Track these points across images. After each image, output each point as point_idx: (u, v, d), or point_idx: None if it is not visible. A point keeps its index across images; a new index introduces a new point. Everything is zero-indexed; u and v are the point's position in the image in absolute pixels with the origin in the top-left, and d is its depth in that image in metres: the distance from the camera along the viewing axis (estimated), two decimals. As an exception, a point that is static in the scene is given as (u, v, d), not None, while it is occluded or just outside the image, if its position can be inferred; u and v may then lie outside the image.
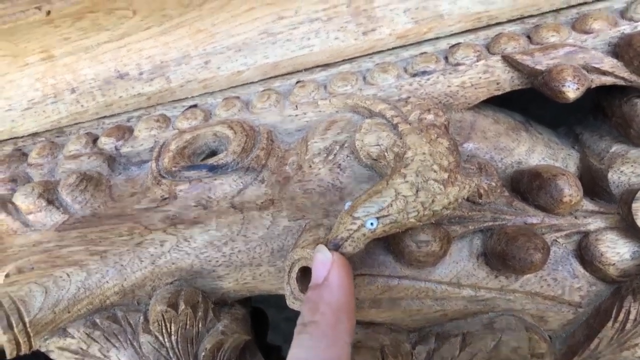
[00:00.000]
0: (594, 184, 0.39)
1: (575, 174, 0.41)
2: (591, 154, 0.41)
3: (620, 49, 0.39)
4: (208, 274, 0.38)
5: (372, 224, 0.32)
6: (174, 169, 0.41)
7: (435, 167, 0.34)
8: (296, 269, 0.36)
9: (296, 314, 0.32)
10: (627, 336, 0.37)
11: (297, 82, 0.44)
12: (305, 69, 0.45)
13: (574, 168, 0.41)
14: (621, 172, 0.38)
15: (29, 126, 0.48)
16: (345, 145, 0.39)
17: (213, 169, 0.40)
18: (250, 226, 0.38)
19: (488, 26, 0.43)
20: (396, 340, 0.38)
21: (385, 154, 0.37)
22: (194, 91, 0.46)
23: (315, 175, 0.39)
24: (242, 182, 0.40)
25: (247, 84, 0.46)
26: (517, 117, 0.44)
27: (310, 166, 0.40)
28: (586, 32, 0.40)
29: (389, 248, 0.37)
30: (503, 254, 0.35)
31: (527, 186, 0.38)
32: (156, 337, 0.37)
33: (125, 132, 0.45)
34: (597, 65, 0.39)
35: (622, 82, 0.39)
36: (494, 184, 0.37)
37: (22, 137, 0.48)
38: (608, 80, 0.39)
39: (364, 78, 0.43)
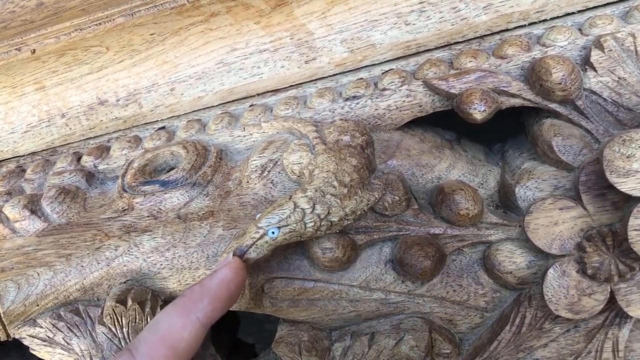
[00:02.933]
0: (506, 198, 0.43)
1: (495, 188, 0.44)
2: (508, 170, 0.44)
3: (527, 73, 0.42)
4: (154, 275, 0.44)
5: (273, 232, 0.37)
6: (134, 183, 0.47)
7: (335, 183, 0.38)
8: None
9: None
10: (523, 339, 0.40)
11: (250, 106, 0.50)
12: (258, 94, 0.50)
13: (493, 183, 0.44)
14: (527, 187, 0.41)
15: (28, 146, 0.55)
16: (278, 162, 0.44)
17: (165, 184, 0.46)
18: (190, 234, 0.44)
19: (418, 53, 0.47)
20: (315, 337, 0.43)
21: (304, 171, 0.41)
22: (163, 115, 0.52)
23: (251, 189, 0.45)
24: (188, 196, 0.45)
25: (207, 107, 0.52)
26: (446, 136, 0.48)
27: (248, 182, 0.45)
28: (502, 57, 0.44)
29: (304, 254, 0.41)
30: (400, 261, 0.39)
31: (434, 200, 0.42)
32: (109, 328, 0.43)
33: (103, 151, 0.52)
34: (505, 89, 0.42)
35: (528, 104, 0.42)
36: (397, 198, 0.41)
37: (23, 155, 0.56)
38: (517, 102, 0.42)
39: (305, 102, 0.48)
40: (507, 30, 0.46)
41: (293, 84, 0.50)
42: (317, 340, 0.42)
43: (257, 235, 0.37)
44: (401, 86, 0.45)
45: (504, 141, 0.49)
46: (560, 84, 0.40)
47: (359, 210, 0.38)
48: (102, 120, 0.53)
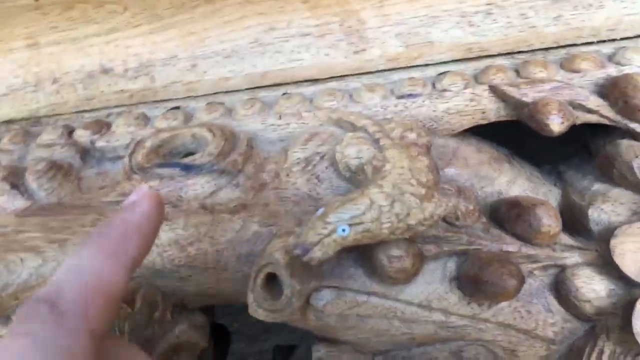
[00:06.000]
0: (573, 221, 0.39)
1: (556, 209, 0.40)
2: (573, 191, 0.40)
3: (606, 90, 0.39)
4: (170, 273, 0.37)
5: (344, 230, 0.31)
6: (146, 165, 0.39)
7: (413, 181, 0.33)
8: (262, 275, 0.34)
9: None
10: (599, 377, 0.36)
11: (283, 94, 0.44)
12: (294, 82, 0.45)
13: (555, 204, 0.41)
14: (602, 210, 0.38)
15: (5, 112, 0.46)
16: (326, 157, 0.39)
17: (187, 168, 0.39)
18: (219, 228, 0.37)
19: (478, 58, 0.44)
20: (359, 362, 0.36)
21: (365, 167, 0.36)
22: (178, 93, 0.45)
23: (292, 184, 0.38)
24: (215, 184, 0.39)
25: (232, 91, 0.45)
26: (500, 150, 0.44)
27: (288, 175, 0.39)
28: (574, 71, 0.41)
29: (359, 262, 0.36)
30: (476, 278, 0.34)
31: (505, 215, 0.37)
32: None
33: (103, 126, 0.44)
34: (582, 102, 0.39)
35: (605, 121, 0.39)
36: (471, 207, 0.36)
37: (-5, 122, 0.47)
38: (592, 118, 0.39)
39: (350, 96, 0.43)
40: (574, 45, 0.43)
41: (336, 75, 0.44)
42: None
43: (325, 232, 0.31)
44: (464, 89, 0.41)
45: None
46: (649, 101, 0.37)
47: (436, 215, 0.33)
48: (103, 92, 0.45)
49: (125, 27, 0.44)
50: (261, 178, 0.39)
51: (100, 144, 0.43)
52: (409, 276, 0.34)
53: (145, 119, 0.44)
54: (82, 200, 0.39)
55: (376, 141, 0.37)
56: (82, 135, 0.43)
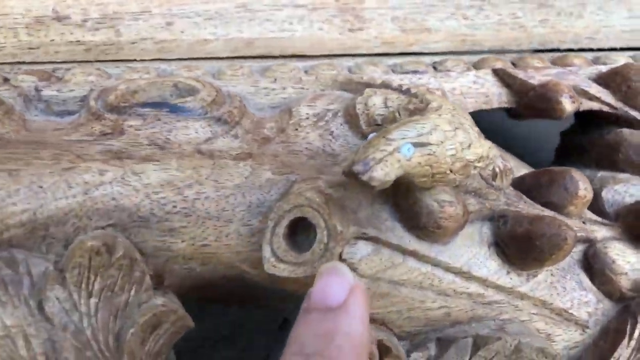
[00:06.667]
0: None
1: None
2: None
3: (607, 78, 0.40)
4: (158, 222, 0.28)
5: (409, 149, 0.26)
6: (122, 104, 0.32)
7: (466, 117, 0.30)
8: (285, 222, 0.28)
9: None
10: (645, 357, 0.32)
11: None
12: (283, 55, 0.40)
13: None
14: (615, 190, 0.37)
15: None
16: (339, 114, 0.34)
17: (177, 109, 0.32)
18: (224, 172, 0.30)
19: (472, 52, 0.43)
20: (388, 339, 0.30)
21: (397, 114, 0.32)
22: (147, 52, 0.39)
23: (303, 138, 0.33)
24: (211, 131, 0.32)
25: (211, 58, 0.40)
26: (494, 145, 0.42)
27: (297, 129, 0.33)
28: (568, 66, 0.41)
29: (397, 215, 0.30)
30: (529, 234, 0.30)
31: (533, 185, 0.35)
32: (70, 294, 0.26)
33: (51, 76, 0.36)
34: (585, 89, 0.39)
35: (606, 108, 0.39)
36: (509, 166, 0.33)
37: None
38: (594, 105, 0.39)
39: (349, 70, 0.39)
40: (558, 50, 0.44)
41: (329, 52, 0.41)
42: (391, 342, 0.30)
43: (389, 149, 0.26)
44: (468, 71, 0.40)
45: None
46: (652, 86, 0.38)
47: (492, 156, 0.30)
48: (53, 41, 0.38)
49: (94, -32, 0.37)
50: (263, 133, 0.33)
51: (48, 92, 0.34)
52: (458, 227, 0.29)
53: (108, 75, 0.37)
54: (32, 138, 0.30)
55: (405, 91, 0.33)
56: (25, 81, 0.35)
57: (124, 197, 0.28)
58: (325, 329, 0.23)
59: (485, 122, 0.42)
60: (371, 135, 0.28)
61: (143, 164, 0.29)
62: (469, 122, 0.29)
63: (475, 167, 0.29)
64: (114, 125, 0.31)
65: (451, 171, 0.28)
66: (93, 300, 0.26)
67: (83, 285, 0.26)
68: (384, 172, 0.25)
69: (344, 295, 0.24)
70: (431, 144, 0.27)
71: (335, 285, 0.24)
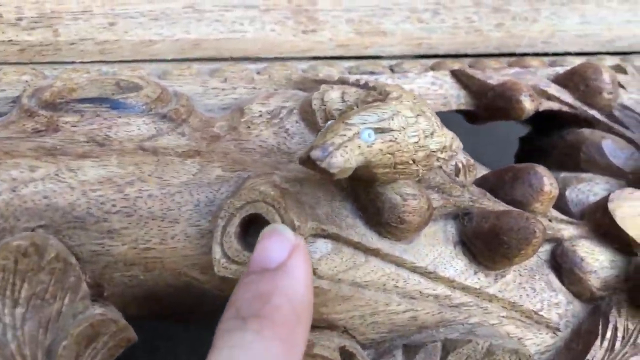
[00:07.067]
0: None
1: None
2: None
3: (565, 79, 0.39)
4: (95, 223, 0.26)
5: (369, 135, 0.25)
6: (58, 100, 0.29)
7: (428, 106, 0.28)
8: (237, 221, 0.26)
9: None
10: (618, 357, 0.31)
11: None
12: (233, 58, 0.38)
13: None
14: (579, 189, 0.36)
15: None
16: (294, 111, 0.32)
17: (118, 105, 0.30)
18: (169, 169, 0.28)
19: (427, 56, 0.42)
20: (353, 346, 0.27)
21: (355, 107, 0.30)
22: (88, 53, 0.36)
23: (256, 136, 0.31)
24: (155, 128, 0.30)
25: (157, 60, 0.37)
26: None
27: (249, 127, 0.31)
28: (526, 67, 0.41)
29: (358, 212, 0.28)
30: (495, 229, 0.29)
31: (496, 183, 0.33)
32: (-10, 302, 0.23)
33: (-22, 75, 0.33)
34: (544, 88, 0.38)
35: (566, 108, 0.39)
36: (471, 161, 0.32)
37: None
38: (554, 105, 0.39)
39: (304, 72, 0.38)
40: (514, 54, 0.44)
41: (282, 54, 0.39)
42: (355, 348, 0.27)
43: (348, 134, 0.24)
44: (425, 72, 0.39)
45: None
46: (609, 84, 0.38)
47: (452, 150, 0.28)
48: (-18, 40, 0.35)
49: (30, -37, 0.35)
50: (212, 131, 0.31)
51: (-25, 92, 0.32)
52: (422, 222, 0.28)
53: (44, 75, 0.34)
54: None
55: (364, 85, 0.32)
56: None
57: (57, 195, 0.25)
58: (262, 290, 0.22)
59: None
60: (329, 123, 0.26)
61: (79, 160, 0.27)
62: (430, 111, 0.28)
63: (438, 159, 0.27)
64: (48, 122, 0.28)
65: (414, 161, 0.26)
66: (19, 310, 0.23)
67: (8, 293, 0.23)
68: (343, 159, 0.24)
69: (284, 255, 0.23)
70: (393, 130, 0.25)
71: (274, 246, 0.23)
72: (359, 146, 0.24)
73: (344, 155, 0.24)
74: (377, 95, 0.30)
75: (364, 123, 0.25)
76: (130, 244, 0.26)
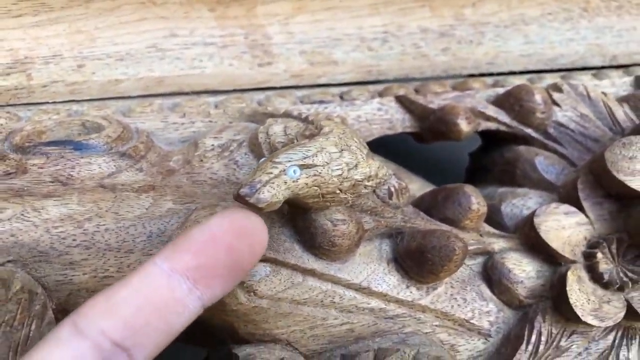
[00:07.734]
0: (487, 219, 0.39)
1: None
2: (480, 198, 0.41)
3: (502, 100, 0.42)
4: (58, 256, 0.29)
5: (294, 171, 0.28)
6: (27, 144, 0.33)
7: (355, 139, 0.31)
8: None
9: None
10: (542, 359, 0.34)
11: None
12: (194, 92, 0.42)
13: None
14: (513, 204, 0.39)
15: None
16: (244, 144, 0.35)
17: (81, 147, 0.33)
18: (124, 205, 0.31)
19: (378, 82, 0.45)
20: (294, 357, 0.31)
21: (296, 140, 0.33)
22: (59, 95, 0.40)
23: (208, 168, 0.34)
24: (115, 166, 0.33)
25: (123, 97, 0.41)
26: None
27: (202, 160, 0.35)
28: (468, 89, 0.44)
29: (295, 237, 0.31)
30: (421, 248, 0.32)
31: (430, 202, 0.36)
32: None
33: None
34: (482, 110, 0.41)
35: (503, 128, 0.42)
36: (404, 185, 0.35)
37: None
38: (492, 125, 0.42)
39: (259, 103, 0.41)
40: (460, 76, 0.47)
41: (240, 87, 0.42)
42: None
43: (275, 171, 0.27)
44: (372, 99, 0.42)
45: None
46: (541, 104, 0.41)
47: (379, 178, 0.31)
48: (-40, 86, 0.38)
49: (4, 14, 0.38)
50: (168, 165, 0.35)
51: (-48, 136, 0.35)
52: (352, 245, 0.31)
53: (18, 118, 0.38)
54: None
55: (304, 119, 0.35)
56: None
57: (23, 233, 0.29)
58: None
59: (396, 146, 0.44)
60: (261, 161, 0.29)
61: (43, 200, 0.30)
62: (357, 144, 0.31)
63: (365, 186, 0.30)
64: (18, 165, 0.32)
65: (340, 190, 0.29)
66: (-11, 337, 0.27)
67: (-22, 322, 0.26)
68: (270, 194, 0.27)
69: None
70: (317, 165, 0.28)
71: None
72: (285, 182, 0.27)
73: (271, 191, 0.27)
74: (313, 130, 0.33)
75: (290, 161, 0.28)
76: (91, 274, 0.29)
